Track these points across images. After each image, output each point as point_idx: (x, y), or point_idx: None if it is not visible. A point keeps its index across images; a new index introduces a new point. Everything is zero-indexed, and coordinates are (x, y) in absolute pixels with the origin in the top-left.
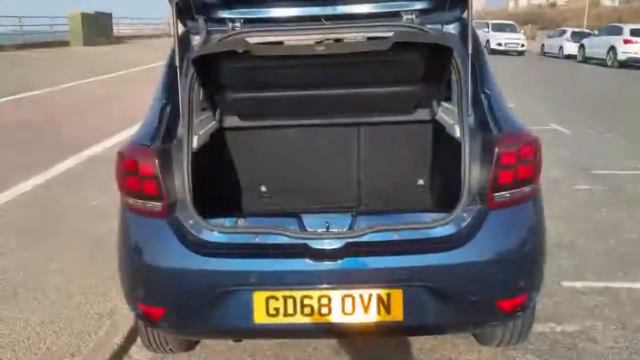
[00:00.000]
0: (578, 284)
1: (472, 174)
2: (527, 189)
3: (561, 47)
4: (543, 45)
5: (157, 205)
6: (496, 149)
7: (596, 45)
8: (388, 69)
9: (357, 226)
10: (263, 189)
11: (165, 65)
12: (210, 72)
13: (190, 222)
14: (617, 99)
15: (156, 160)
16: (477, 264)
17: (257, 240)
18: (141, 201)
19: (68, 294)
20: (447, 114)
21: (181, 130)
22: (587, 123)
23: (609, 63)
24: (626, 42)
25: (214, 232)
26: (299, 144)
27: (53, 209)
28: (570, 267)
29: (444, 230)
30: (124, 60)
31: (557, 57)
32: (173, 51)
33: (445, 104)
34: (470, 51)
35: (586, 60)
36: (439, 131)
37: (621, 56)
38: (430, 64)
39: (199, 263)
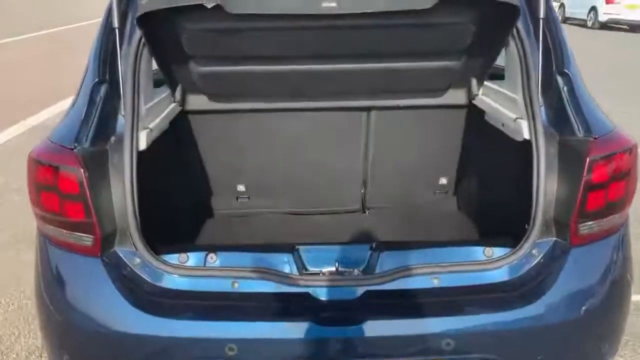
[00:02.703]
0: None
1: (548, 192)
2: (617, 216)
3: None
4: None
5: (85, 237)
6: (587, 159)
7: (577, 5)
8: (419, 36)
9: (380, 266)
10: (241, 188)
11: (100, 26)
12: (165, 36)
13: (137, 260)
14: (606, 61)
15: (82, 171)
16: (554, 326)
17: (237, 287)
18: (64, 230)
19: None
20: (491, 97)
21: (123, 122)
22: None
23: (590, 24)
24: (608, 2)
25: (172, 275)
26: (287, 132)
27: None
28: None
29: (505, 273)
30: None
31: None
32: (110, 5)
33: (489, 84)
34: (542, 14)
35: (566, 20)
36: (477, 119)
37: (602, 17)
38: (481, 31)
39: (148, 325)
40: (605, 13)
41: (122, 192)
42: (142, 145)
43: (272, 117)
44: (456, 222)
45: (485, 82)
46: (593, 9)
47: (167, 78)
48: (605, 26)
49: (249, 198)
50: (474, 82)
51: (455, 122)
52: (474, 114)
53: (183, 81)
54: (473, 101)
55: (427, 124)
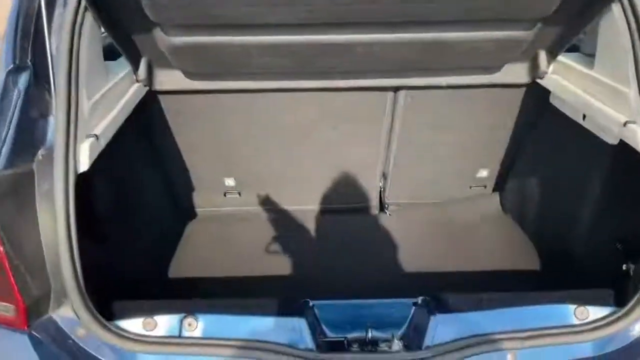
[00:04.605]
0: None
1: None
2: None
3: None
4: None
5: (5, 307)
6: None
7: None
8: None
9: (430, 333)
10: (229, 182)
11: None
12: None
13: (80, 331)
14: None
15: None
16: None
17: None
18: None
19: None
20: (569, 79)
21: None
22: None
23: None
24: None
25: (130, 352)
26: (286, 114)
27: None
28: None
29: (604, 342)
30: None
31: None
32: None
33: (564, 60)
34: None
35: None
36: (537, 101)
37: None
38: None
39: None
40: None
41: (55, 233)
42: (84, 163)
43: (267, 96)
44: (501, 230)
45: (559, 57)
46: None
47: (124, 51)
48: None
49: (239, 194)
50: (542, 56)
51: (510, 105)
52: (534, 95)
53: (148, 54)
54: (538, 80)
55: (468, 106)
